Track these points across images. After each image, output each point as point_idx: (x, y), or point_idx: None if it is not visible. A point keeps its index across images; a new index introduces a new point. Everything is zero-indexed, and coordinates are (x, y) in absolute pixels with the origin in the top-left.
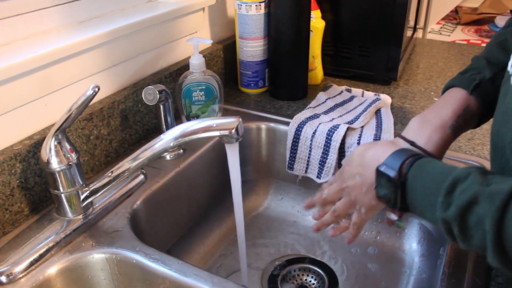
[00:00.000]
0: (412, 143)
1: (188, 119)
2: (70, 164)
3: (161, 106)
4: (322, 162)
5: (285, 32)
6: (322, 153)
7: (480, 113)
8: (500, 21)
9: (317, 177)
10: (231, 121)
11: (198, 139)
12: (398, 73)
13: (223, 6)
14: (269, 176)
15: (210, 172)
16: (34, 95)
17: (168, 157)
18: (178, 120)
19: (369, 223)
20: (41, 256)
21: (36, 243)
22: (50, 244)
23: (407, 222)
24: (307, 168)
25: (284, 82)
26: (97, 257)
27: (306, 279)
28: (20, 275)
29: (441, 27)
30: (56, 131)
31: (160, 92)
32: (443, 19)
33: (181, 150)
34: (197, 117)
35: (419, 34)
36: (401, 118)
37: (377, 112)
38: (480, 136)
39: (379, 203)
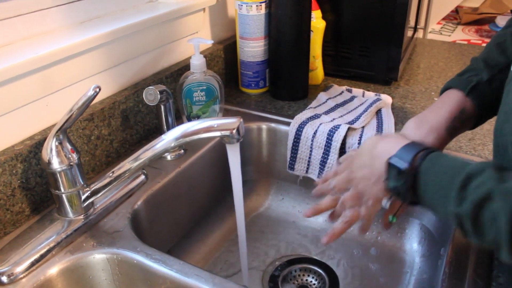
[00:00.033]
0: None
1: (189, 119)
2: (71, 165)
3: (162, 107)
4: (323, 163)
5: (285, 32)
6: (323, 153)
7: (477, 114)
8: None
9: (318, 177)
10: (232, 122)
11: (199, 140)
12: (398, 73)
13: (224, 6)
14: (270, 176)
15: (211, 173)
16: (35, 96)
17: (169, 158)
18: (179, 120)
19: None
20: (42, 257)
21: (37, 243)
22: (51, 245)
23: (408, 223)
24: (307, 168)
25: (284, 82)
26: (98, 257)
27: (307, 279)
28: (21, 275)
29: (441, 27)
30: (57, 132)
31: (161, 92)
32: (443, 19)
33: (182, 151)
34: (198, 117)
35: (419, 34)
36: (402, 118)
37: (378, 112)
38: (480, 136)
39: (387, 195)
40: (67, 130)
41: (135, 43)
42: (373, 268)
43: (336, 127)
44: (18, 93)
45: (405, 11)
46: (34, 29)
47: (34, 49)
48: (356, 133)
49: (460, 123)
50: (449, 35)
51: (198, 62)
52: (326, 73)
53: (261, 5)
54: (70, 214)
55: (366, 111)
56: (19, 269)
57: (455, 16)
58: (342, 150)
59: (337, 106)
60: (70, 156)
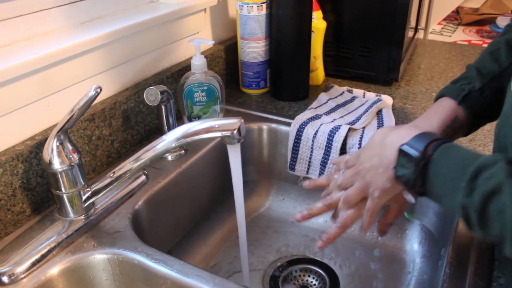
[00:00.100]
0: None
1: (190, 119)
2: (72, 165)
3: (163, 107)
4: (324, 163)
5: (286, 32)
6: (324, 153)
7: (469, 123)
8: (502, 22)
9: (319, 177)
10: (233, 122)
11: (200, 140)
12: (399, 74)
13: (225, 6)
14: (271, 176)
15: (211, 173)
16: (36, 96)
17: (169, 158)
18: (179, 121)
19: None
20: (43, 257)
21: (38, 244)
22: (52, 245)
23: (408, 223)
24: (308, 168)
25: (285, 83)
26: (98, 257)
27: (307, 280)
28: (22, 276)
29: (442, 28)
30: (58, 132)
31: (162, 92)
32: (444, 19)
33: (183, 151)
34: (198, 117)
35: (420, 34)
36: (403, 119)
37: (379, 113)
38: (481, 137)
39: (394, 186)
40: (68, 130)
41: (136, 43)
42: (374, 269)
43: (337, 128)
44: (19, 93)
45: (406, 12)
46: (35, 30)
47: (36, 49)
48: (356, 134)
49: (453, 131)
50: (450, 36)
51: (199, 63)
52: (326, 74)
53: (262, 5)
54: (71, 214)
55: (367, 111)
56: (20, 269)
57: (456, 17)
58: (343, 151)
59: (337, 107)
60: (71, 156)
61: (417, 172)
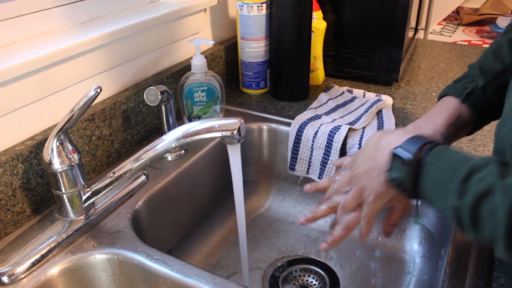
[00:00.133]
0: None
1: (190, 119)
2: (72, 165)
3: (163, 107)
4: (324, 163)
5: (286, 33)
6: (324, 154)
7: (473, 121)
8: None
9: (319, 177)
10: (233, 122)
11: (200, 140)
12: (399, 74)
13: (225, 7)
14: (271, 176)
15: (211, 173)
16: (36, 96)
17: (169, 158)
18: (180, 121)
19: None
20: (43, 257)
21: (38, 244)
22: (52, 245)
23: (408, 224)
24: (308, 168)
25: (285, 83)
26: (98, 257)
27: (307, 280)
28: (22, 276)
29: (442, 28)
30: (58, 132)
31: (162, 93)
32: (444, 20)
33: (183, 151)
34: (198, 117)
35: (420, 35)
36: (403, 119)
37: (379, 113)
38: (481, 137)
39: (388, 190)
40: (68, 130)
41: (136, 43)
42: (374, 269)
43: (337, 128)
44: (19, 93)
45: (406, 12)
46: (35, 29)
47: (36, 49)
48: (356, 134)
49: (456, 129)
50: (450, 36)
51: (199, 63)
52: (327, 74)
53: (262, 5)
54: (71, 215)
55: (367, 112)
56: (20, 269)
57: (456, 17)
58: (343, 151)
59: (337, 107)
60: (71, 156)
61: (409, 175)
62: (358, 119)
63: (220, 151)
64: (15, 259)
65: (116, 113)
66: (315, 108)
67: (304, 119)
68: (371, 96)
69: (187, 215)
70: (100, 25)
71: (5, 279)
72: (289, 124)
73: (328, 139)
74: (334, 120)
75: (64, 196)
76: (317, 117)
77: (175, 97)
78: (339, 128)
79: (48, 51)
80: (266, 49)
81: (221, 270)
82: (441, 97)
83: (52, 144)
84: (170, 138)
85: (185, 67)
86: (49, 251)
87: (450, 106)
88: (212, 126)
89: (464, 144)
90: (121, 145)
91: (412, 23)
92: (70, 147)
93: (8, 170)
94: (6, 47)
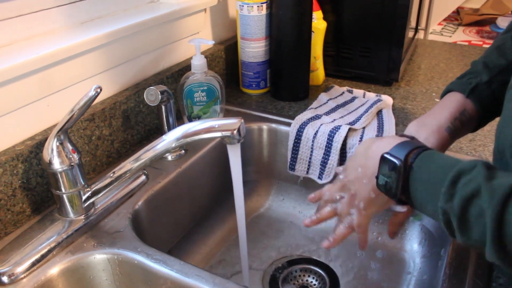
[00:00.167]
0: None
1: (190, 119)
2: (72, 165)
3: (163, 107)
4: (324, 163)
5: (286, 33)
6: (324, 154)
7: (478, 116)
8: (502, 22)
9: (319, 178)
10: (233, 122)
11: (200, 140)
12: (399, 74)
13: (225, 6)
14: (271, 176)
15: (211, 173)
16: (36, 96)
17: (169, 158)
18: (180, 121)
19: (371, 224)
20: (43, 257)
21: (38, 244)
22: (52, 245)
23: (408, 224)
24: (308, 169)
25: (285, 83)
26: (98, 257)
27: (307, 280)
28: (22, 276)
29: (442, 28)
30: (58, 132)
31: (162, 92)
32: (444, 20)
33: (183, 151)
34: (198, 117)
35: (420, 35)
36: (403, 119)
37: (379, 113)
38: (481, 137)
39: (378, 196)
40: (68, 130)
41: (136, 43)
42: (374, 269)
43: (337, 128)
44: (19, 93)
45: (406, 12)
46: (35, 29)
47: (36, 49)
48: (356, 134)
49: (461, 124)
50: (450, 36)
51: (199, 63)
52: (327, 74)
53: (262, 5)
54: (71, 214)
55: (367, 112)
56: (20, 269)
57: (456, 17)
58: (343, 151)
59: (338, 107)
60: (71, 156)
61: (398, 180)
62: (358, 119)
63: (220, 151)
64: (15, 259)
65: (116, 113)
66: (315, 108)
67: (304, 119)
68: (371, 96)
69: (187, 215)
70: (100, 25)
71: (5, 279)
72: (289, 124)
73: (328, 139)
74: (334, 120)
75: (64, 196)
76: (317, 117)
77: (175, 97)
78: (339, 128)
79: (48, 51)
80: (266, 49)
81: (221, 270)
82: (445, 93)
83: (52, 144)
84: (170, 138)
85: (185, 67)
86: (49, 251)
87: (454, 101)
88: (212, 126)
89: (464, 145)
90: (121, 145)
91: (412, 23)
92: (70, 147)
93: (8, 170)
94: (6, 47)
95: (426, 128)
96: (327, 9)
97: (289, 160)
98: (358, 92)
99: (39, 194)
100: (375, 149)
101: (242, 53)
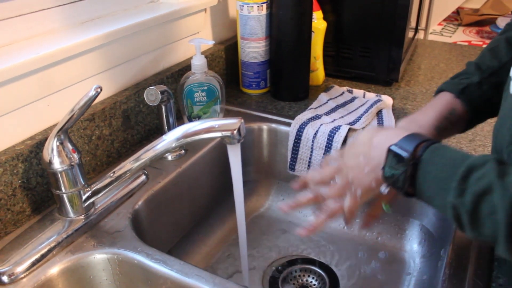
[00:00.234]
0: None
1: (190, 119)
2: (72, 165)
3: (163, 107)
4: None
5: (287, 33)
6: (324, 154)
7: (468, 117)
8: (502, 22)
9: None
10: (233, 122)
11: (200, 140)
12: (399, 74)
13: (225, 6)
14: (271, 176)
15: (211, 173)
16: (36, 96)
17: (169, 158)
18: (180, 121)
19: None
20: (43, 256)
21: (38, 243)
22: (52, 244)
23: (408, 224)
24: (308, 169)
25: (285, 83)
26: (98, 257)
27: (307, 280)
28: (22, 275)
29: (442, 28)
30: (58, 132)
31: (162, 92)
32: (444, 20)
33: (183, 151)
34: (198, 117)
35: (420, 35)
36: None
37: (379, 113)
38: (481, 138)
39: (379, 186)
40: (68, 130)
41: (136, 43)
42: (373, 269)
43: (337, 128)
44: (19, 93)
45: (406, 12)
46: (35, 29)
47: (36, 49)
48: (356, 134)
49: (450, 123)
50: (450, 36)
51: (199, 63)
52: (327, 74)
53: (262, 5)
54: (71, 214)
55: (367, 112)
56: (20, 269)
57: (456, 18)
58: None
59: (337, 107)
60: (71, 156)
61: (406, 173)
62: (358, 119)
63: (220, 151)
64: (15, 259)
65: (116, 113)
66: (315, 108)
67: (304, 119)
68: (371, 96)
69: (187, 215)
70: (100, 25)
71: (5, 278)
72: (289, 124)
73: (328, 139)
74: (334, 120)
75: (64, 195)
76: (317, 117)
77: (175, 97)
78: (339, 128)
79: (48, 51)
80: (266, 49)
81: (221, 270)
82: (437, 93)
83: (52, 144)
84: (170, 138)
85: (185, 67)
86: (49, 251)
87: (444, 100)
88: (212, 126)
89: (464, 145)
90: (121, 145)
91: (412, 23)
92: (70, 146)
93: (8, 169)
94: (6, 47)
95: (415, 125)
96: (327, 9)
97: (289, 160)
98: (358, 92)
99: (39, 194)
100: (381, 139)
101: (242, 53)
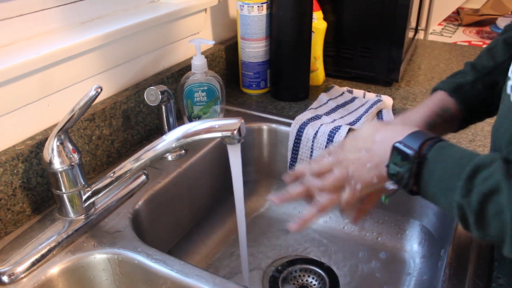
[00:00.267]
0: None
1: (190, 119)
2: (72, 165)
3: (163, 107)
4: None
5: (287, 33)
6: None
7: (462, 116)
8: (502, 23)
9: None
10: (233, 122)
11: (200, 140)
12: (399, 74)
13: (225, 7)
14: (271, 177)
15: (211, 173)
16: (37, 96)
17: (170, 158)
18: (180, 121)
19: (370, 224)
20: (43, 256)
21: (38, 243)
22: (52, 244)
23: (408, 224)
24: None
25: (285, 83)
26: (99, 257)
27: (307, 280)
28: (22, 275)
29: (442, 29)
30: (58, 132)
31: (162, 92)
32: (444, 20)
33: (183, 151)
34: (199, 117)
35: (420, 35)
36: None
37: (379, 113)
38: (481, 138)
39: (381, 182)
40: (69, 130)
41: (137, 43)
42: (373, 269)
43: (337, 128)
44: (19, 93)
45: (406, 12)
46: (35, 29)
47: (36, 49)
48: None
49: (443, 120)
50: (450, 37)
51: (199, 63)
52: (327, 74)
53: (262, 6)
54: (71, 214)
55: (367, 112)
56: (20, 269)
57: (456, 18)
58: None
59: (338, 107)
60: (71, 156)
61: (411, 171)
62: (358, 119)
63: (220, 151)
64: (15, 259)
65: (116, 113)
66: (315, 108)
67: (304, 119)
68: (371, 96)
69: (187, 215)
70: (100, 25)
71: (5, 278)
72: (289, 124)
73: (328, 139)
74: (334, 120)
75: (64, 195)
76: (317, 117)
77: (175, 97)
78: (339, 129)
79: (48, 51)
80: (267, 49)
81: (221, 270)
82: (433, 91)
83: (53, 144)
84: (170, 138)
85: (185, 67)
86: (49, 251)
87: (437, 98)
88: (213, 126)
89: (464, 145)
90: (121, 145)
91: (412, 23)
92: (70, 146)
93: (8, 169)
94: (6, 47)
95: (407, 121)
96: (327, 9)
97: (289, 160)
98: (358, 92)
99: (39, 194)
100: (385, 136)
101: (242, 53)
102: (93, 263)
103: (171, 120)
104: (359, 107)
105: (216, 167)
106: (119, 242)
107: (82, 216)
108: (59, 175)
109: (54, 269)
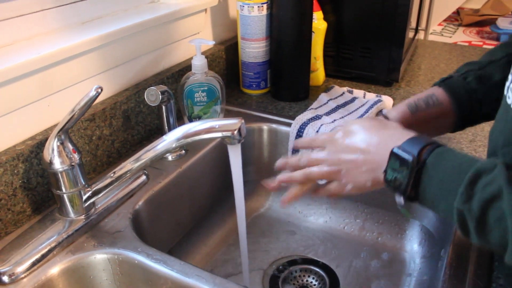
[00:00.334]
0: None
1: (190, 120)
2: (73, 165)
3: (163, 107)
4: None
5: (287, 33)
6: None
7: (450, 106)
8: (502, 23)
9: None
10: (234, 123)
11: (200, 140)
12: (400, 75)
13: (225, 7)
14: (271, 177)
15: (212, 173)
16: (37, 96)
17: (170, 158)
18: (180, 121)
19: (371, 224)
20: (43, 256)
21: (38, 243)
22: (52, 244)
23: (408, 224)
24: None
25: (286, 83)
26: (99, 257)
27: (307, 280)
28: (22, 275)
29: (442, 29)
30: (58, 132)
31: (162, 93)
32: (444, 20)
33: (183, 151)
34: (199, 118)
35: (420, 35)
36: None
37: (379, 113)
38: (481, 138)
39: (374, 186)
40: (69, 130)
41: (137, 43)
42: (374, 269)
43: None
44: (19, 93)
45: (406, 13)
46: (35, 29)
47: (36, 49)
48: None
49: (425, 104)
50: (450, 37)
51: (199, 63)
52: (327, 74)
53: (262, 6)
54: (71, 214)
55: (367, 112)
56: (20, 269)
57: (456, 18)
58: None
59: (338, 107)
60: (71, 156)
61: (409, 177)
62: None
63: (220, 151)
64: (15, 259)
65: (116, 113)
66: (316, 108)
67: (304, 119)
68: (372, 96)
69: (187, 215)
70: (100, 25)
71: (5, 278)
72: (289, 125)
73: None
74: (335, 120)
75: (65, 195)
76: (317, 117)
77: (175, 97)
78: None
79: (49, 51)
80: (267, 50)
81: (221, 270)
82: None
83: (53, 144)
84: (170, 138)
85: (185, 67)
86: (50, 251)
87: (426, 90)
88: (213, 127)
89: (464, 145)
90: (121, 145)
91: (413, 23)
92: (70, 147)
93: (9, 169)
94: (6, 47)
95: (394, 108)
96: (327, 10)
97: None
98: (358, 92)
99: (39, 194)
100: (383, 139)
101: (243, 53)
102: (93, 263)
103: (171, 120)
104: (359, 107)
105: (217, 167)
106: (119, 242)
107: (83, 216)
108: (60, 175)
109: (54, 269)
